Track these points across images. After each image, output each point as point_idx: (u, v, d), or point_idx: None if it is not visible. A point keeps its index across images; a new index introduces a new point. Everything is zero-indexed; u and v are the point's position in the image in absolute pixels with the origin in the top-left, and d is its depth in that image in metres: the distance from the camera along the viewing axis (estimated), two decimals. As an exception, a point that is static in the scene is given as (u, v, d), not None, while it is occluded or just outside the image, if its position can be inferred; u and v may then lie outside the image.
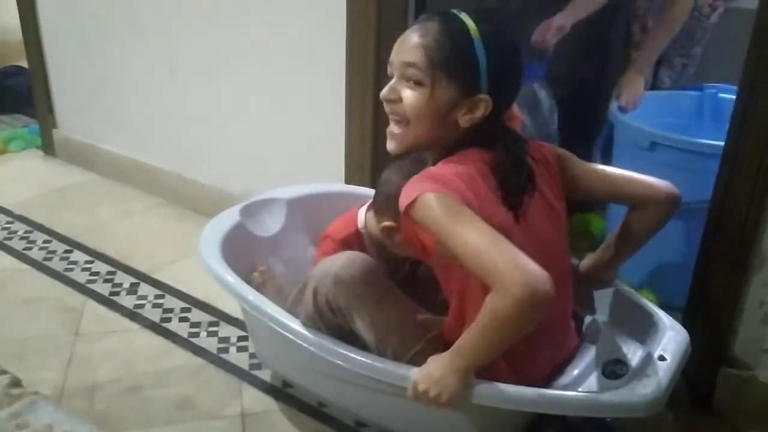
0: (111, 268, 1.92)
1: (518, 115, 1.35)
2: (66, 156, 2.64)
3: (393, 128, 1.15)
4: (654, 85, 2.18)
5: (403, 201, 1.04)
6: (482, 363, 1.06)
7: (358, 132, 1.76)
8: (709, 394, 1.41)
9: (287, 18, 1.82)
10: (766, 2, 1.20)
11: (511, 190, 1.11)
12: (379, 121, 1.71)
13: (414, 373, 1.09)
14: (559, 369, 1.23)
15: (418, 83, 1.09)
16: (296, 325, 1.23)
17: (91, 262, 1.96)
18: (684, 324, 1.35)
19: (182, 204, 2.27)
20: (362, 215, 1.40)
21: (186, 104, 2.18)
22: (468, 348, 1.04)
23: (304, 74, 1.85)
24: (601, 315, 1.34)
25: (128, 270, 1.92)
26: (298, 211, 1.62)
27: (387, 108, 1.14)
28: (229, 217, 1.52)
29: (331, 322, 1.20)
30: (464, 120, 1.10)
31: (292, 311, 1.26)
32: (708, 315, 1.39)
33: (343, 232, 1.42)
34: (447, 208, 1.01)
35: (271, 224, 1.59)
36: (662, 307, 1.29)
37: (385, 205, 1.27)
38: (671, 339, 1.19)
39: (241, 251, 1.47)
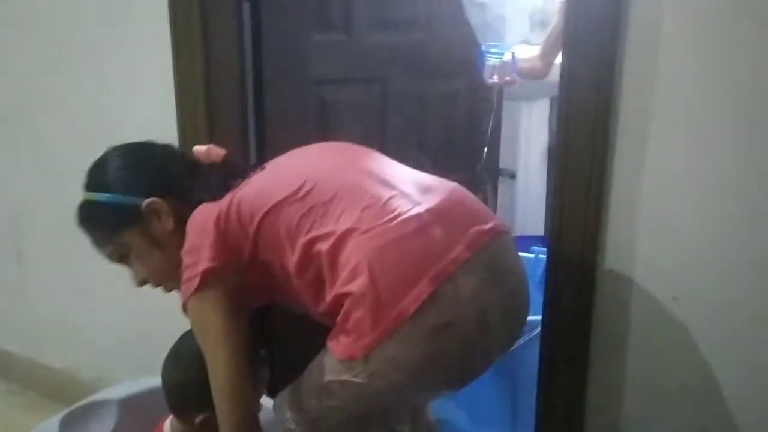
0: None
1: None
2: None
3: (166, 288, 1.22)
4: None
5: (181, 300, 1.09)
6: None
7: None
8: None
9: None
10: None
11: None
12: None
13: None
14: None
15: (125, 257, 1.17)
16: None
17: None
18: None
19: (34, 390, 2.12)
20: (169, 429, 1.33)
21: (34, 287, 2.11)
22: None
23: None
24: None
25: (-45, 480, 1.74)
26: (133, 413, 1.52)
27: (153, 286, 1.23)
28: (45, 432, 1.40)
29: None
30: (167, 226, 1.13)
31: None
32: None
33: None
34: (200, 324, 1.08)
35: (99, 432, 1.48)
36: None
37: (183, 407, 1.26)
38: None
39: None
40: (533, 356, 1.35)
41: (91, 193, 1.15)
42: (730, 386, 1.17)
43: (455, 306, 0.95)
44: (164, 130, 1.55)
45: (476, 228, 1.00)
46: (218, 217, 1.05)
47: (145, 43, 1.64)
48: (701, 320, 1.17)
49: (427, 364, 0.96)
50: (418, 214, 0.98)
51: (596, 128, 1.16)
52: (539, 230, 2.26)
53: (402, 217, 0.97)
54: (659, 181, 1.15)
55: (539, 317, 1.33)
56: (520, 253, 1.24)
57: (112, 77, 1.73)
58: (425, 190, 1.04)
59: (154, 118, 1.60)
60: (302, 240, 1.00)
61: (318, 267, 1.00)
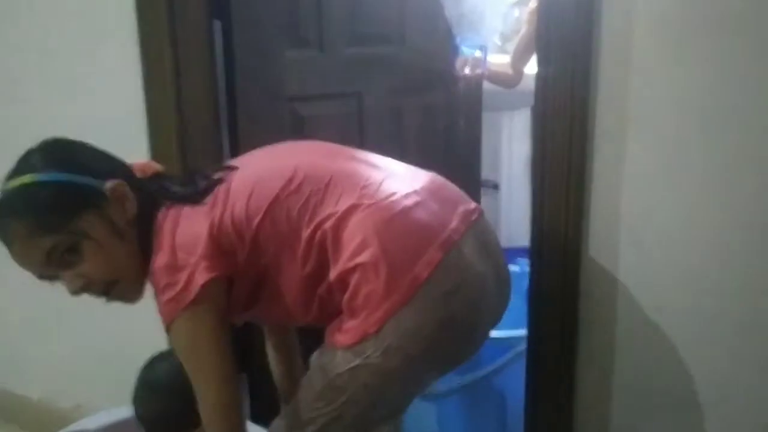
0: None
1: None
2: None
3: (113, 292, 1.06)
4: None
5: (164, 320, 1.00)
6: None
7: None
8: None
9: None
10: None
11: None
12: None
13: None
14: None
15: (74, 250, 0.99)
16: None
17: None
18: None
19: (13, 421, 2.07)
20: None
21: (10, 315, 2.04)
22: None
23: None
24: None
25: None
26: (111, 443, 1.48)
27: (94, 295, 1.06)
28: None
29: None
30: (129, 213, 1.02)
31: None
32: None
33: None
34: (190, 342, 1.00)
35: (75, 464, 1.44)
36: None
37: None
38: None
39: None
40: (522, 371, 1.34)
41: (35, 175, 0.97)
42: (716, 394, 1.16)
43: (462, 271, 0.98)
44: (136, 150, 1.53)
45: (463, 207, 1.05)
46: (211, 225, 1.00)
47: (115, 63, 1.61)
48: (685, 330, 1.16)
49: (440, 331, 0.97)
50: (415, 191, 1.02)
51: (573, 137, 1.16)
52: (524, 241, 2.25)
53: (401, 193, 1.00)
54: (639, 191, 1.14)
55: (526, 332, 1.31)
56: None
57: (81, 96, 1.70)
58: (412, 174, 1.09)
59: (125, 137, 1.56)
60: (306, 231, 0.99)
61: (322, 248, 0.98)
